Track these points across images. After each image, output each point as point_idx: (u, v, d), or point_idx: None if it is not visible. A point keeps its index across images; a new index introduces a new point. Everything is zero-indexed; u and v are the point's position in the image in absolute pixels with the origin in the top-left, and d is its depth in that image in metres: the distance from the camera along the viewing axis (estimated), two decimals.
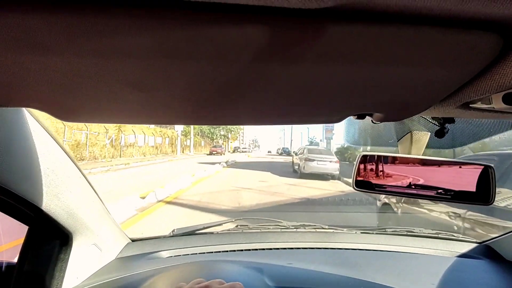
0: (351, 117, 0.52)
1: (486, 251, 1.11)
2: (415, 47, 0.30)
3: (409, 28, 0.28)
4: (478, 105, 0.45)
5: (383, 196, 3.67)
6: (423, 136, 0.74)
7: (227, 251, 1.05)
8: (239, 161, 18.59)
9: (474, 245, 1.15)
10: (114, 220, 1.00)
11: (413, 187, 0.74)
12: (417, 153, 0.75)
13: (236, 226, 1.24)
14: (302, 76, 0.34)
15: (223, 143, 41.11)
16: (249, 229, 1.21)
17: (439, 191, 0.73)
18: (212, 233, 1.17)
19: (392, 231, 1.25)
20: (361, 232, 1.22)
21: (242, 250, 1.06)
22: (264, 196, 6.61)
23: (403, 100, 0.44)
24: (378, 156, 0.76)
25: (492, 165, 0.72)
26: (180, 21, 0.26)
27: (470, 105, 0.46)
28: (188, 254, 1.03)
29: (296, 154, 13.14)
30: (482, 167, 0.72)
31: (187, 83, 0.35)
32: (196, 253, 1.03)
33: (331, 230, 1.22)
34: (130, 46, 0.28)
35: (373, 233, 1.23)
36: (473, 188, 0.72)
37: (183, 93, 0.39)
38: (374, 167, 0.76)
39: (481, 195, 0.72)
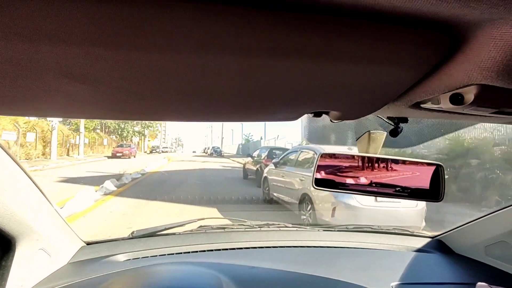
0: (310, 115, 0.56)
1: (438, 245, 1.26)
2: (369, 45, 0.32)
3: (363, 25, 0.30)
4: (428, 105, 0.49)
5: None
6: (379, 136, 0.81)
7: (188, 252, 1.08)
8: (151, 171, 11.84)
9: (428, 239, 1.30)
10: (66, 222, 0.98)
11: (372, 185, 0.79)
12: (374, 152, 0.81)
13: (199, 226, 1.26)
14: (259, 71, 0.34)
15: (139, 141, 31.34)
16: (212, 229, 1.24)
17: (396, 189, 0.80)
18: (174, 234, 1.19)
19: (353, 228, 1.37)
20: (324, 230, 1.33)
21: (204, 251, 1.09)
22: None
23: (359, 98, 0.47)
24: (337, 154, 0.81)
25: (441, 164, 0.80)
26: (123, 5, 0.24)
27: (421, 105, 0.50)
28: (148, 257, 1.04)
29: (274, 165, 6.16)
30: (434, 166, 0.80)
31: (135, 76, 0.33)
32: (156, 255, 1.04)
33: (295, 229, 1.31)
34: (65, 32, 0.25)
35: (335, 231, 1.34)
36: (426, 186, 0.80)
37: (130, 87, 0.37)
38: (333, 165, 0.80)
39: (433, 193, 0.79)
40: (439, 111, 0.50)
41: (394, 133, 0.71)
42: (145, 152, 35.17)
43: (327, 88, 0.41)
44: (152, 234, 1.16)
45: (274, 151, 9.06)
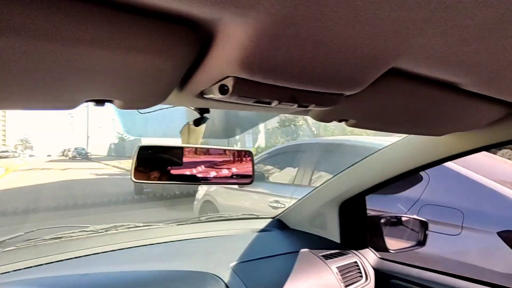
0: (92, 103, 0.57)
1: (277, 224, 1.41)
2: (132, 34, 0.33)
3: (124, 15, 0.31)
4: (210, 95, 0.48)
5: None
6: (198, 127, 0.88)
7: (8, 272, 0.93)
8: None
9: (269, 220, 1.44)
10: None
11: (193, 173, 0.81)
12: (195, 142, 0.84)
13: (27, 240, 1.09)
14: (25, 54, 0.32)
15: None
16: (45, 241, 1.09)
17: (216, 175, 0.85)
18: None
19: (206, 219, 1.41)
20: (177, 224, 1.33)
21: (30, 267, 0.96)
22: None
23: (138, 87, 0.46)
24: (157, 146, 0.80)
25: (251, 150, 0.91)
26: None
27: (204, 96, 0.50)
28: None
29: None
30: (246, 152, 0.89)
31: None
32: None
33: (146, 227, 1.27)
34: None
35: (188, 223, 1.36)
36: (242, 171, 0.88)
37: None
38: (154, 157, 0.79)
39: (246, 176, 0.89)
40: (221, 101, 0.52)
41: (196, 122, 0.75)
42: None
43: (102, 76, 0.40)
44: None
45: None
